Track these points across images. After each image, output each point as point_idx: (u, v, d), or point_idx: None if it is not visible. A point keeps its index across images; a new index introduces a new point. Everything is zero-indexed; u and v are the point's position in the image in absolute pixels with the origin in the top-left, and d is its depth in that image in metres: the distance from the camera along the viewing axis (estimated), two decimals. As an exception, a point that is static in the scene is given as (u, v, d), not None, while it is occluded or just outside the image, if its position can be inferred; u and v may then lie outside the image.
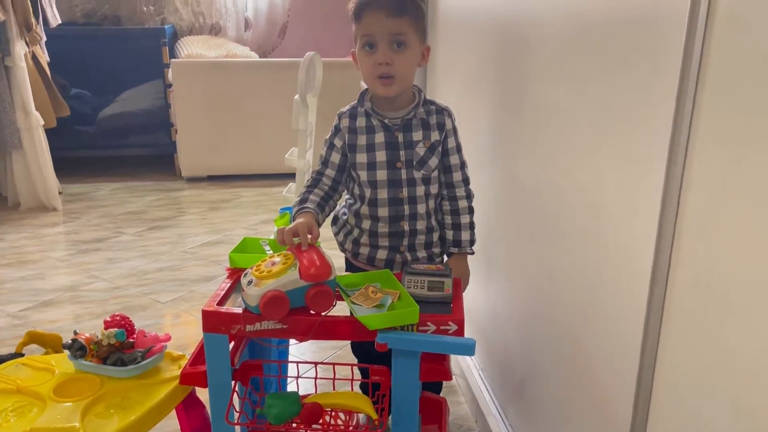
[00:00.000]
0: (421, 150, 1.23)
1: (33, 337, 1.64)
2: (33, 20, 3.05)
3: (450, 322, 1.02)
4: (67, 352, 1.19)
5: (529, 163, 1.22)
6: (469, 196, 1.30)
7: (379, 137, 1.23)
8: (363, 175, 1.24)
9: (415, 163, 1.23)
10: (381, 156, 1.23)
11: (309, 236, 1.06)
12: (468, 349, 1.00)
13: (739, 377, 0.63)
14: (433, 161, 1.24)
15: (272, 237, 1.32)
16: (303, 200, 1.22)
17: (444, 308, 1.06)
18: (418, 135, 1.24)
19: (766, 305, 0.59)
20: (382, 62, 1.17)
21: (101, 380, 1.16)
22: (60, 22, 3.53)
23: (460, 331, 1.02)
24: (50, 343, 1.62)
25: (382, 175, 1.23)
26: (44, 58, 3.26)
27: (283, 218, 1.30)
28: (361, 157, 1.24)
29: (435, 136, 1.24)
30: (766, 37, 0.58)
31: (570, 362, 1.06)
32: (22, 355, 1.56)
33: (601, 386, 0.94)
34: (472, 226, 1.30)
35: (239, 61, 3.74)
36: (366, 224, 1.27)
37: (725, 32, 0.64)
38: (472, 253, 1.31)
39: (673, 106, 0.71)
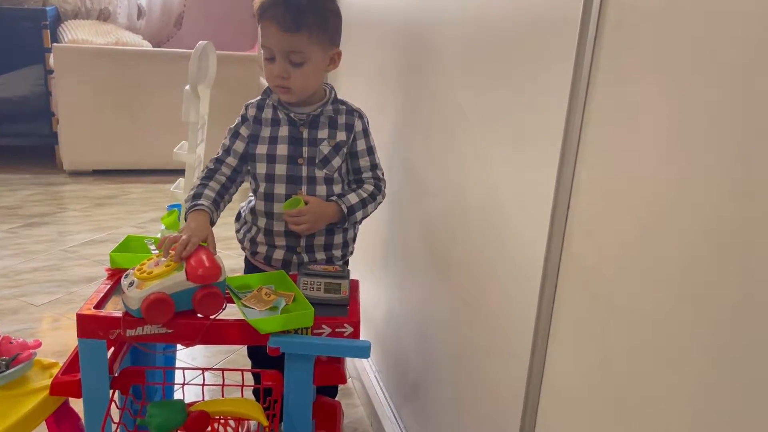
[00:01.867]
0: (325, 148, 1.20)
1: None
2: None
3: (346, 324, 1.00)
4: None
5: (430, 166, 1.22)
6: (378, 188, 1.25)
7: (283, 131, 1.20)
8: (261, 167, 1.20)
9: (317, 161, 1.20)
10: (282, 150, 1.19)
11: (205, 243, 1.01)
12: (363, 352, 0.99)
13: (619, 377, 0.65)
14: (337, 161, 1.21)
15: (159, 236, 1.24)
16: (197, 195, 1.15)
17: (340, 310, 1.04)
18: (323, 133, 1.21)
19: (644, 308, 0.61)
20: (278, 75, 1.15)
21: (-43, 393, 1.04)
22: None
23: (355, 333, 1.01)
24: None
25: (281, 169, 1.19)
26: None
27: (170, 215, 1.22)
28: (261, 149, 1.20)
29: (341, 136, 1.22)
30: (650, 46, 0.60)
31: (463, 363, 1.07)
32: None
33: (492, 387, 0.95)
34: (365, 203, 1.22)
35: (130, 49, 3.54)
36: (262, 222, 1.23)
37: (614, 41, 0.66)
38: (344, 220, 1.20)
39: (565, 112, 0.72)
